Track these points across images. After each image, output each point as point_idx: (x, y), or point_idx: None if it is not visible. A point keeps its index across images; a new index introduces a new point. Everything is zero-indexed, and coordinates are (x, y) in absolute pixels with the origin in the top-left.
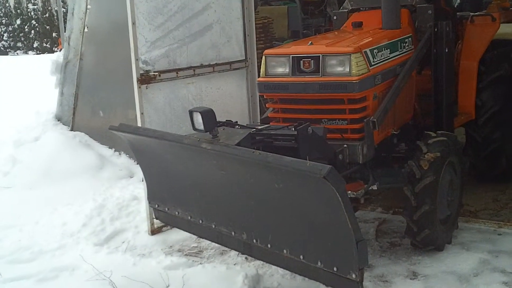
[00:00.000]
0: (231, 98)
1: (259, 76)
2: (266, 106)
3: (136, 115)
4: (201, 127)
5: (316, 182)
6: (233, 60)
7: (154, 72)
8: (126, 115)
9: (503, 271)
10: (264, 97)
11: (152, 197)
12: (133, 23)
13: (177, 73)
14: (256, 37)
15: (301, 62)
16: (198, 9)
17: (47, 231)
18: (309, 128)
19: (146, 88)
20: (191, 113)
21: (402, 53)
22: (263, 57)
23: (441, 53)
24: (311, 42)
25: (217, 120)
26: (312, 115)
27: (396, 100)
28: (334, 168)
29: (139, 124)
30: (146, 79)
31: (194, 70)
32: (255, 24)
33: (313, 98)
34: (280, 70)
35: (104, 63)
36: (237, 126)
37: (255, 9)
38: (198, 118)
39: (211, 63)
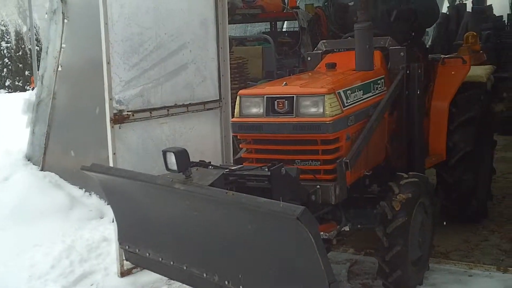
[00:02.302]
0: (204, 138)
1: (233, 116)
2: (240, 146)
3: (107, 154)
4: (174, 167)
5: (289, 223)
6: (207, 100)
7: (127, 111)
8: (98, 155)
9: None
10: (238, 137)
11: (122, 238)
12: (108, 63)
13: (151, 113)
14: (231, 77)
15: (275, 102)
16: (174, 48)
17: (14, 273)
18: (283, 168)
19: (119, 128)
20: (164, 153)
21: (375, 94)
22: (238, 97)
23: (413, 95)
24: (286, 83)
25: (191, 160)
26: (285, 155)
27: (368, 141)
28: (307, 209)
29: (111, 164)
30: (119, 118)
31: (168, 110)
32: (230, 64)
33: (286, 139)
34: (254, 110)
35: (77, 102)
36: (210, 167)
37: (230, 50)
38: (171, 158)
39: (185, 103)
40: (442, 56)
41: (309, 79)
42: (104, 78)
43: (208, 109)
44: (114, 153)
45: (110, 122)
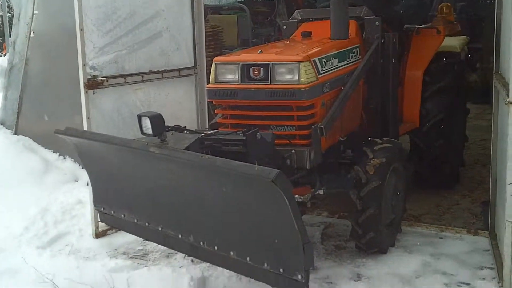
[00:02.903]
0: (179, 105)
1: (208, 83)
2: (215, 112)
3: (81, 119)
4: (150, 131)
5: (264, 186)
6: (182, 67)
7: (101, 77)
8: (72, 120)
9: (444, 273)
10: (213, 103)
11: (97, 200)
12: (81, 29)
13: (125, 79)
14: (206, 45)
15: (251, 69)
16: (148, 16)
17: None
18: (258, 133)
19: (93, 93)
20: (139, 117)
21: (349, 63)
22: (213, 64)
23: (387, 64)
24: (261, 50)
25: (166, 125)
26: (260, 121)
27: (343, 108)
28: (282, 172)
29: (85, 129)
30: (93, 84)
31: (142, 76)
32: (205, 32)
33: (262, 105)
34: (229, 77)
35: (50, 68)
36: (185, 131)
37: (205, 18)
38: (146, 123)
39: (160, 70)
40: (417, 26)
41: (285, 47)
42: (77, 45)
43: (183, 76)
44: (88, 118)
45: (84, 87)
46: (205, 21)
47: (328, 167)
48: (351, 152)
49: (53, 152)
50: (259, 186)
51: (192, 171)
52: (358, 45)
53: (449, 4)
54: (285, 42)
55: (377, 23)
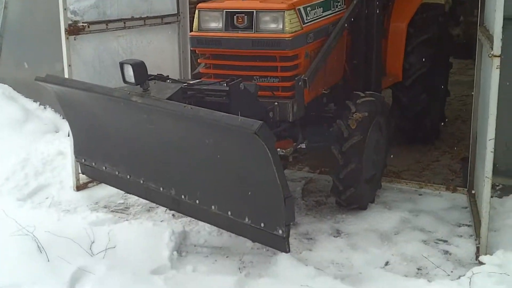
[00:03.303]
0: (162, 53)
1: (191, 30)
2: (198, 61)
3: (62, 67)
4: (132, 79)
5: (247, 138)
6: (165, 14)
7: (82, 23)
8: (53, 67)
9: (422, 229)
10: (196, 52)
11: (78, 152)
12: None
13: (107, 25)
14: None
15: (235, 17)
16: None
17: None
18: (241, 84)
19: (74, 40)
20: (121, 65)
21: (334, 12)
22: (196, 11)
23: (372, 14)
24: None
25: (149, 74)
26: (244, 71)
27: (327, 59)
28: (265, 124)
29: (66, 76)
30: (74, 30)
31: (124, 23)
32: None
33: (245, 55)
34: (213, 24)
35: (30, 13)
36: (168, 80)
37: None
38: (128, 71)
39: (142, 16)
40: None
41: None
42: None
43: (166, 23)
44: (70, 65)
45: (65, 33)
46: None
47: (311, 120)
48: (334, 105)
49: (34, 101)
50: (242, 137)
51: (174, 121)
52: None
53: None
54: None
55: None
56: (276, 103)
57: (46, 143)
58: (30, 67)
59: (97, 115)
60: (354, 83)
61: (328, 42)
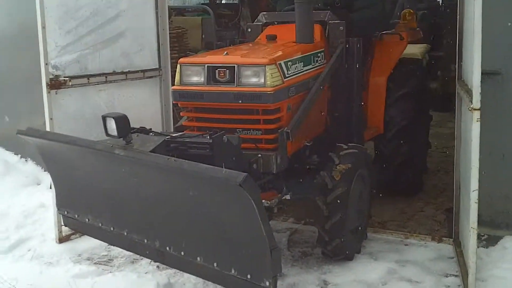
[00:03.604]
0: (144, 106)
1: (173, 84)
2: (181, 114)
3: (43, 121)
4: (115, 133)
5: (231, 190)
6: (146, 69)
7: (64, 77)
8: (34, 120)
9: (409, 280)
10: (179, 105)
11: (61, 204)
12: (43, 27)
13: (88, 79)
14: (170, 47)
15: (216, 71)
16: (111, 15)
17: None
18: (224, 136)
19: (56, 94)
20: (104, 118)
21: (315, 67)
22: (178, 66)
23: (351, 69)
24: (227, 53)
25: (131, 126)
26: (226, 124)
27: (309, 112)
28: (249, 175)
29: (48, 130)
30: (55, 84)
31: (106, 77)
32: (169, 34)
33: (228, 108)
34: (195, 79)
35: (10, 67)
36: (151, 133)
37: (169, 19)
38: (111, 124)
39: (124, 71)
40: (380, 32)
41: (250, 50)
42: (39, 43)
43: (147, 77)
44: (51, 119)
45: (47, 87)
46: (169, 22)
47: (294, 172)
48: (317, 157)
49: (14, 154)
50: (226, 189)
51: (158, 173)
52: (323, 49)
53: (411, 11)
54: (250, 45)
55: (341, 28)
56: (259, 155)
57: (27, 195)
58: (11, 120)
59: (80, 168)
60: (337, 135)
61: (310, 96)
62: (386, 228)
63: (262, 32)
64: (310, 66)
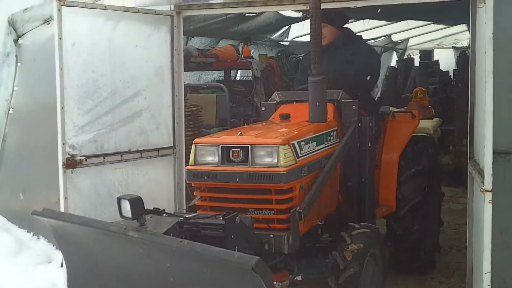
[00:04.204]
0: (158, 185)
1: (187, 163)
2: (194, 194)
3: (58, 198)
4: (129, 214)
5: (244, 273)
6: (161, 147)
7: (80, 156)
8: (48, 197)
9: None
10: (192, 185)
11: (72, 285)
12: (62, 108)
13: (104, 158)
14: (185, 124)
15: (231, 152)
16: (129, 95)
17: None
18: (237, 218)
19: (72, 173)
20: (119, 200)
21: (327, 146)
22: (193, 146)
23: (364, 147)
24: (241, 133)
25: (145, 208)
26: (239, 204)
27: (321, 191)
28: (261, 259)
29: (62, 209)
30: (71, 163)
31: (121, 156)
32: (184, 111)
33: (241, 188)
34: (209, 159)
35: (27, 145)
36: (164, 214)
37: (184, 97)
38: (126, 206)
39: (139, 149)
40: (392, 110)
41: (264, 130)
42: (57, 123)
43: (162, 156)
44: (66, 198)
45: (63, 166)
46: (184, 100)
47: (306, 251)
48: (329, 236)
49: (27, 231)
50: (239, 273)
51: (171, 256)
52: (336, 128)
53: (423, 89)
54: (264, 124)
55: (353, 107)
56: (271, 235)
57: (38, 274)
58: (25, 198)
59: (93, 249)
60: (348, 213)
61: (322, 175)
62: None
63: (276, 110)
64: (323, 145)
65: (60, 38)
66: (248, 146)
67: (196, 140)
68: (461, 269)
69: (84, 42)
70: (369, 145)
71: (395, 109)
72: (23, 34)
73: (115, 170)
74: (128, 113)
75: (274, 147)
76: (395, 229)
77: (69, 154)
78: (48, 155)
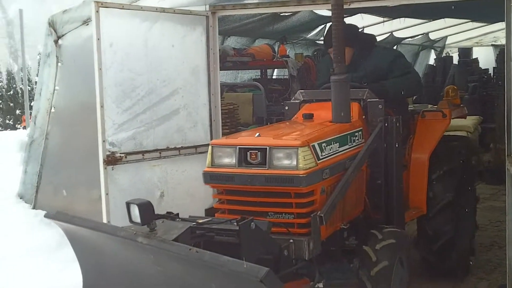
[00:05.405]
0: (195, 181)
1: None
2: (212, 196)
3: (98, 195)
4: (138, 220)
5: (252, 285)
6: (198, 144)
7: (120, 153)
8: (90, 194)
9: None
10: (210, 187)
11: None
12: (102, 106)
13: (143, 155)
14: (222, 122)
15: (248, 153)
16: (166, 94)
17: None
18: (252, 223)
19: (112, 169)
20: (128, 205)
21: (352, 147)
22: (210, 147)
23: (391, 148)
24: (259, 134)
25: (179, 203)
26: (258, 207)
27: (345, 194)
28: (271, 271)
29: (103, 205)
30: (112, 160)
31: (160, 153)
32: (221, 109)
33: (259, 191)
34: (226, 160)
35: (69, 143)
36: (178, 219)
37: (221, 96)
38: (135, 211)
39: (177, 146)
40: (422, 109)
41: (284, 130)
42: (97, 121)
43: (199, 153)
44: (107, 194)
45: (103, 163)
46: (221, 98)
47: (329, 255)
48: (355, 239)
49: None
50: (247, 284)
51: (179, 264)
52: (361, 128)
53: (455, 87)
54: (285, 124)
55: (380, 106)
56: (291, 241)
57: (76, 270)
58: (68, 195)
59: (104, 253)
60: (376, 216)
61: (346, 177)
62: None
63: (299, 110)
64: (347, 146)
65: (98, 39)
66: (266, 148)
67: (213, 141)
68: (503, 266)
69: (122, 42)
70: (397, 145)
71: (425, 108)
72: (63, 35)
73: (154, 167)
74: (165, 111)
75: (292, 149)
76: (425, 230)
77: (109, 151)
78: (88, 153)
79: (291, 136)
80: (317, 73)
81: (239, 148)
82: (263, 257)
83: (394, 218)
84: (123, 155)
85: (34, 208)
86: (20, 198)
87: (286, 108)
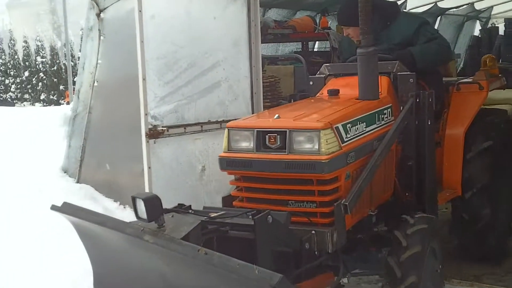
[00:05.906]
0: None
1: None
2: (229, 183)
3: (141, 168)
4: (144, 216)
5: None
6: (240, 117)
7: (162, 127)
8: (132, 168)
9: None
10: (227, 174)
11: (98, 285)
12: (144, 79)
13: (185, 128)
14: (263, 95)
15: (267, 137)
16: (207, 66)
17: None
18: (269, 216)
19: (154, 143)
20: (133, 199)
21: (380, 126)
22: (226, 130)
23: (423, 125)
24: (278, 115)
25: (219, 178)
26: (278, 195)
27: (372, 178)
28: (285, 277)
29: (146, 178)
30: (154, 133)
31: (201, 126)
32: (262, 82)
33: (279, 177)
34: (244, 144)
35: (112, 117)
36: (191, 211)
37: (262, 68)
38: (141, 206)
39: (218, 120)
40: (457, 81)
41: (306, 110)
42: (139, 94)
43: None
44: (149, 167)
45: (146, 137)
46: (262, 71)
47: (357, 244)
48: (384, 225)
49: (114, 201)
50: None
51: (187, 265)
52: (390, 105)
53: (492, 56)
54: (308, 102)
55: (411, 80)
56: (313, 232)
57: None
58: (111, 169)
59: (111, 248)
60: (407, 199)
61: (373, 160)
62: (482, 282)
63: (325, 85)
64: (375, 126)
65: (140, 11)
66: (285, 131)
67: (230, 123)
68: None
69: (163, 15)
70: (429, 122)
71: (461, 80)
72: (105, 8)
73: (196, 141)
74: (207, 84)
75: (314, 131)
76: (461, 213)
77: (151, 125)
78: (131, 126)
79: (312, 117)
80: (340, 50)
81: (257, 131)
82: (282, 250)
83: (426, 201)
84: (165, 128)
85: (78, 182)
86: (64, 172)
87: (311, 83)
